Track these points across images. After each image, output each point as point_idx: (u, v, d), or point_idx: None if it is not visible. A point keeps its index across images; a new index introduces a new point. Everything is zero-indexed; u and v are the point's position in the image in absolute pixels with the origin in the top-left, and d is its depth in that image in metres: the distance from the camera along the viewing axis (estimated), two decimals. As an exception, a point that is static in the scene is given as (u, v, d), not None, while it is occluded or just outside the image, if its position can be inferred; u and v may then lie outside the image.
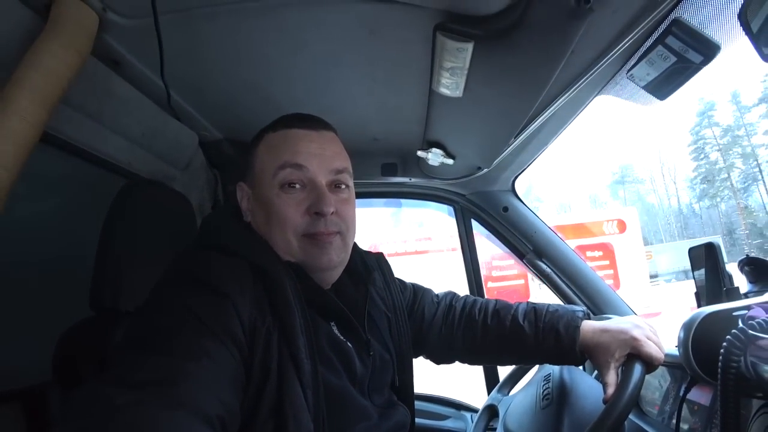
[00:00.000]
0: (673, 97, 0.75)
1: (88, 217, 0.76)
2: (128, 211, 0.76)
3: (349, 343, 0.65)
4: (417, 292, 0.89)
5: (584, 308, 0.79)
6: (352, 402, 0.62)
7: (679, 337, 0.68)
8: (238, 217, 0.69)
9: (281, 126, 0.67)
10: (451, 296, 0.90)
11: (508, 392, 0.93)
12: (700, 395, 0.75)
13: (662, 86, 0.71)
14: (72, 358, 0.64)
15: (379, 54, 0.77)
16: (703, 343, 0.65)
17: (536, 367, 0.91)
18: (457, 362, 0.88)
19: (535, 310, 0.79)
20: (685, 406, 0.78)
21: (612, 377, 0.67)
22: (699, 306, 0.86)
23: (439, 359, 0.88)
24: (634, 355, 0.67)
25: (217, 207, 1.16)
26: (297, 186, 0.64)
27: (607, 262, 7.97)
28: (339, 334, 0.65)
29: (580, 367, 1.31)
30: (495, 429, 0.83)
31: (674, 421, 0.81)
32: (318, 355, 0.58)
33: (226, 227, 0.66)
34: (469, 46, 0.64)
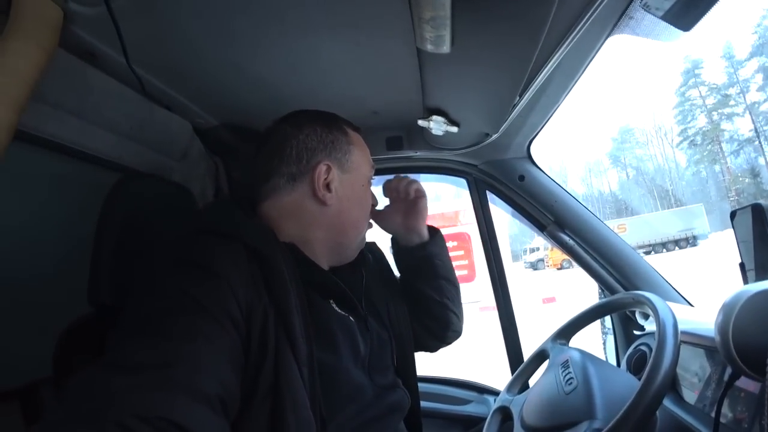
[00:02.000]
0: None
1: (86, 216, 0.76)
2: (122, 205, 0.76)
3: (351, 317, 0.67)
4: None
5: None
6: (346, 381, 0.62)
7: (716, 321, 0.57)
8: (238, 204, 0.68)
9: (354, 128, 0.80)
10: None
11: (519, 391, 0.87)
12: (747, 381, 0.65)
13: (685, 13, 0.59)
14: (71, 356, 0.65)
15: (357, 14, 0.70)
16: (749, 329, 0.53)
17: (545, 363, 0.86)
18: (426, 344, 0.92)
19: None
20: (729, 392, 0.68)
21: None
22: (745, 281, 0.75)
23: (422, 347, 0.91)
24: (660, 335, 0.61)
25: (219, 195, 1.15)
26: None
27: (461, 252, 7.57)
28: (339, 310, 0.67)
29: (600, 356, 1.22)
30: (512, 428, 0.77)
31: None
32: (318, 331, 0.58)
33: (219, 212, 0.65)
34: (448, -11, 0.56)
